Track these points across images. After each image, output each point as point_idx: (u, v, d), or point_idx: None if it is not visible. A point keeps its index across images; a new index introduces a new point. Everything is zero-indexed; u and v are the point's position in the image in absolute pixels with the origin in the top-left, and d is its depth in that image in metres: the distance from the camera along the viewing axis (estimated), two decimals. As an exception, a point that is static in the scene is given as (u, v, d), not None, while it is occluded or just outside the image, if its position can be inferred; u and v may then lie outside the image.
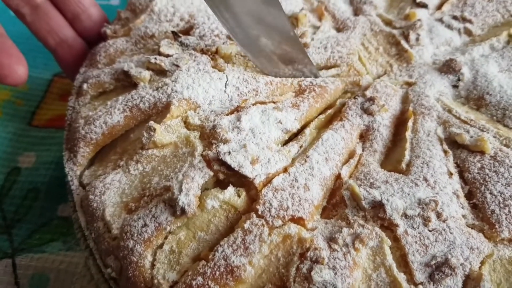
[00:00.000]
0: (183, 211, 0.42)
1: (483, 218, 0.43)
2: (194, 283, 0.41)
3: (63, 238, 0.64)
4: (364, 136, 0.50)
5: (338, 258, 0.40)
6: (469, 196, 0.45)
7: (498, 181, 0.44)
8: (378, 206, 0.42)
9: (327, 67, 0.56)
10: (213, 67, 0.54)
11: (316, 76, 0.54)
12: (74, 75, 0.62)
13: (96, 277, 0.50)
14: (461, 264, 0.39)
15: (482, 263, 0.40)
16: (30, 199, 0.67)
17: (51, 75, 0.80)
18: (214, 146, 0.46)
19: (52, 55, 0.66)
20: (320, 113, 0.52)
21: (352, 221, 0.42)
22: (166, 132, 0.48)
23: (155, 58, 0.53)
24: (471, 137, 0.47)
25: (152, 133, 0.47)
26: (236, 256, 0.41)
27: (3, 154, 0.72)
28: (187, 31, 0.59)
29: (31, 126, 0.75)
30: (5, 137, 0.73)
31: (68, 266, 0.61)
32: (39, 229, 0.65)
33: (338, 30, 0.60)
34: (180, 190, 0.43)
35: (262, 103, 0.50)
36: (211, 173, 0.45)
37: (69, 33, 0.63)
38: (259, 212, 0.42)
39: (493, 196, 0.43)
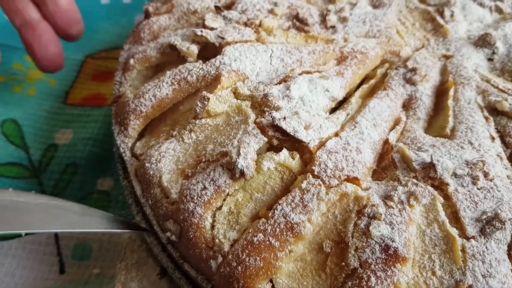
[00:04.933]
0: (242, 173, 0.44)
1: (525, 178, 0.46)
2: (255, 239, 0.42)
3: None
4: (407, 105, 0.52)
5: (394, 214, 0.42)
6: (511, 158, 0.47)
7: (538, 144, 0.47)
8: (428, 167, 0.44)
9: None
10: (256, 39, 0.56)
11: None
12: (35, 56, 0.64)
13: (149, 240, 0.52)
14: (509, 219, 0.41)
15: (528, 218, 0.43)
16: (69, 174, 0.69)
17: (83, 56, 0.81)
18: (267, 113, 0.48)
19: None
20: (362, 83, 0.54)
21: (404, 181, 0.44)
22: (218, 102, 0.50)
23: (201, 31, 0.55)
24: (510, 104, 0.50)
25: (206, 102, 0.49)
26: (296, 214, 0.43)
27: (39, 131, 0.73)
28: (229, 6, 0.60)
29: (66, 105, 0.76)
30: (40, 115, 0.75)
31: (111, 236, 0.63)
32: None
33: (374, 7, 0.62)
34: (238, 154, 0.44)
35: (308, 72, 0.52)
36: (265, 139, 0.46)
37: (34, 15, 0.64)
38: (315, 173, 0.44)
39: (534, 158, 0.46)
